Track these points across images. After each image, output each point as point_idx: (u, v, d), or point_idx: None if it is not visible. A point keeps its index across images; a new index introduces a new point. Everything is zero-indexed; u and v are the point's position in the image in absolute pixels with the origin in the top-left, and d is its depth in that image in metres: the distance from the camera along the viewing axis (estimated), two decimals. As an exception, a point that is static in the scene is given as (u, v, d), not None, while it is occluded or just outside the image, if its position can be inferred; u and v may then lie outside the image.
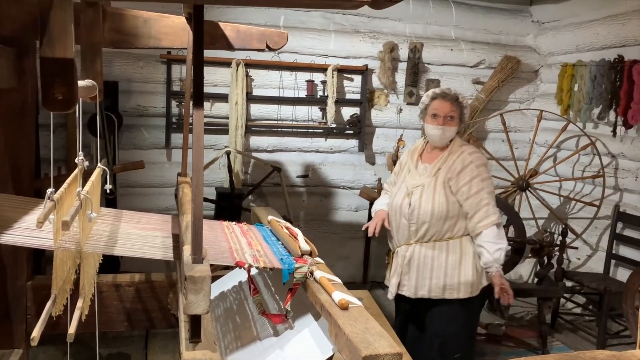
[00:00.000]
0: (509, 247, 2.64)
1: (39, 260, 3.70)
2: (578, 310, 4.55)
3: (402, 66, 4.99)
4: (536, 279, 4.00)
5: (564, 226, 4.22)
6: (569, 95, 4.74)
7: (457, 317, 2.72)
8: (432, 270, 2.69)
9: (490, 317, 4.29)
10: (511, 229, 4.08)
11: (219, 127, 4.54)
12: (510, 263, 3.93)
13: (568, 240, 4.23)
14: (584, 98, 4.56)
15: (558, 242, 4.11)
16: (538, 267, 3.83)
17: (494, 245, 2.61)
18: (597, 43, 4.56)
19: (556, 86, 4.90)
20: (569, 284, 4.20)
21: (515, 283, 5.01)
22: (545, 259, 4.10)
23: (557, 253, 4.10)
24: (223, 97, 4.53)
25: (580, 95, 4.60)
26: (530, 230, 4.88)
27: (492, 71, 5.15)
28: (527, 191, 4.84)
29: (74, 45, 1.23)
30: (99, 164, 1.88)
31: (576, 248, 4.59)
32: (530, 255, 4.28)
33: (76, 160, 1.61)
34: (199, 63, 1.06)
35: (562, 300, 4.45)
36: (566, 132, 4.75)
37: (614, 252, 4.28)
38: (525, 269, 5.20)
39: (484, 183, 2.67)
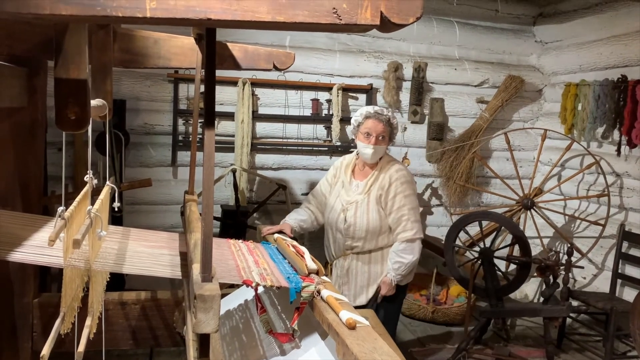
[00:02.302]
0: (412, 260, 2.87)
1: (45, 277, 3.71)
2: (584, 330, 4.51)
3: (407, 85, 5.03)
4: (542, 299, 3.97)
5: (569, 245, 4.21)
6: (573, 114, 4.76)
7: (392, 315, 3.04)
8: (369, 279, 2.95)
9: (496, 337, 4.25)
10: (516, 247, 4.07)
11: (225, 145, 4.57)
12: (516, 282, 3.91)
13: (573, 259, 4.21)
14: (588, 117, 4.58)
15: (564, 261, 4.09)
16: (543, 287, 3.80)
17: (396, 256, 2.86)
18: (601, 63, 4.59)
19: (560, 105, 4.93)
20: (575, 303, 4.17)
21: (520, 302, 4.98)
22: (551, 278, 4.08)
23: (563, 272, 4.07)
24: (229, 116, 4.57)
25: (584, 115, 4.62)
26: (536, 249, 4.87)
27: (496, 90, 5.18)
28: (531, 210, 4.84)
29: (87, 66, 1.26)
30: (107, 182, 1.90)
31: (582, 267, 4.56)
32: (535, 274, 4.26)
33: (85, 178, 1.63)
34: (211, 84, 1.08)
35: (569, 320, 4.41)
36: (570, 151, 4.76)
37: (619, 271, 4.26)
38: (530, 288, 5.17)
39: (406, 199, 2.87)
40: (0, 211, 2.00)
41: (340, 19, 0.99)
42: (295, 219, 3.04)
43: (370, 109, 2.95)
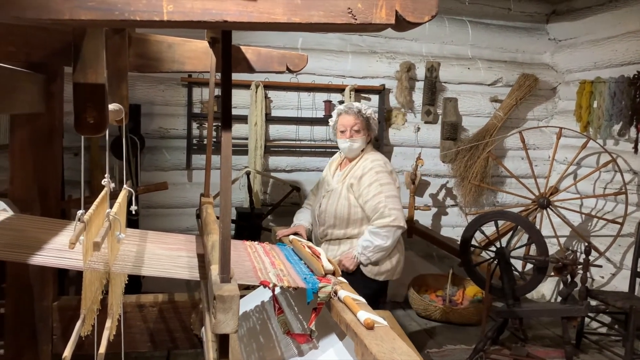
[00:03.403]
0: (382, 245, 2.87)
1: (63, 280, 3.75)
2: (603, 329, 4.45)
3: (419, 85, 5.02)
4: (559, 298, 3.93)
5: (587, 244, 4.16)
6: (588, 112, 4.71)
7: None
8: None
9: (513, 338, 4.22)
10: (533, 247, 4.04)
11: (239, 148, 4.60)
12: (533, 282, 3.88)
13: (591, 258, 4.16)
14: (604, 115, 4.53)
15: (581, 260, 4.05)
16: (561, 286, 3.76)
17: (367, 235, 2.90)
18: (616, 60, 4.54)
19: (575, 103, 4.88)
20: (593, 302, 4.12)
21: (538, 302, 4.94)
22: (569, 277, 4.04)
23: (581, 271, 4.03)
24: (242, 119, 4.59)
25: (600, 112, 4.57)
26: (552, 249, 4.82)
27: (509, 89, 5.15)
28: (548, 209, 4.79)
29: (105, 71, 1.27)
30: (124, 186, 1.92)
31: (600, 266, 4.50)
32: (552, 273, 4.22)
33: (103, 182, 1.64)
34: (227, 87, 1.09)
35: (587, 319, 4.36)
36: (586, 149, 4.71)
37: (638, 270, 4.20)
38: (547, 288, 5.12)
39: (382, 187, 2.91)
40: (21, 215, 2.03)
41: (356, 19, 0.99)
42: (305, 219, 3.17)
43: (342, 106, 3.11)
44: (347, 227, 3.00)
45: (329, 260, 1.82)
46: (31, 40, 2.06)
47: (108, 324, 1.52)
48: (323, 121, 4.80)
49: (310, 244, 2.11)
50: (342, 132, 3.05)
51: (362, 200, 2.95)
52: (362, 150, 3.06)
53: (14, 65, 1.86)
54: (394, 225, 2.88)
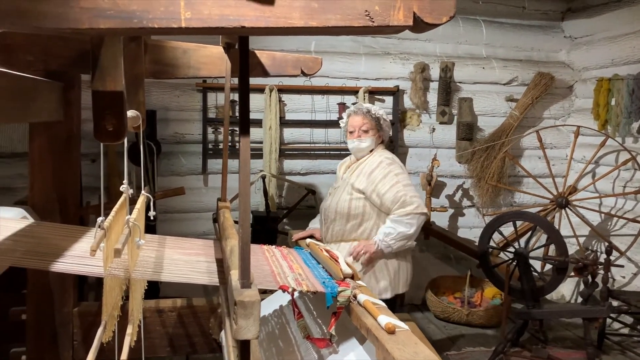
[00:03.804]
0: (406, 233, 2.78)
1: (82, 287, 3.78)
2: (626, 330, 4.38)
3: (434, 86, 4.99)
4: (580, 299, 3.87)
5: (607, 244, 4.10)
6: (606, 109, 4.65)
7: None
8: None
9: (533, 340, 4.17)
10: (552, 247, 3.99)
11: (254, 152, 4.60)
12: (553, 283, 3.83)
13: (612, 258, 4.10)
14: (622, 112, 4.47)
15: (602, 260, 3.99)
16: (581, 287, 3.71)
17: (390, 222, 2.80)
18: (634, 56, 4.48)
19: (592, 101, 4.82)
20: (615, 303, 4.05)
21: (558, 303, 4.87)
22: (590, 278, 3.98)
23: (602, 271, 3.97)
24: (257, 123, 4.60)
25: (618, 110, 4.51)
26: (572, 249, 4.75)
27: (525, 88, 5.10)
28: (566, 208, 4.73)
29: (123, 78, 1.28)
30: (142, 192, 1.92)
31: (621, 266, 4.44)
32: (572, 274, 4.16)
33: (122, 188, 1.65)
34: (245, 92, 1.09)
35: (609, 320, 4.30)
36: (605, 147, 4.64)
37: (661, 269, 4.14)
38: (567, 289, 5.05)
39: (397, 177, 2.84)
40: (41, 223, 2.05)
41: (373, 21, 0.98)
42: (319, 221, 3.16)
43: (351, 107, 3.08)
44: (347, 224, 2.92)
45: (347, 264, 1.81)
46: (49, 49, 2.08)
47: (129, 329, 1.53)
48: (337, 124, 4.77)
49: (327, 247, 2.10)
50: (350, 132, 3.03)
51: (377, 194, 2.86)
52: (371, 151, 3.02)
53: (32, 74, 1.88)
54: (417, 212, 2.78)
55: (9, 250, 1.55)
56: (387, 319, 1.37)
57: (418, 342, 1.28)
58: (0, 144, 4.19)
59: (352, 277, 1.76)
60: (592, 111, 4.82)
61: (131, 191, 1.73)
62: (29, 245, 1.60)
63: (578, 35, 5.14)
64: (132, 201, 1.80)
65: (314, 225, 3.21)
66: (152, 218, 1.93)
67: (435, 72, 4.97)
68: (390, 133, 3.16)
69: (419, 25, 1.00)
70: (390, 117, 4.89)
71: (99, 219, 1.32)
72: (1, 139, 4.19)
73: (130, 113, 1.62)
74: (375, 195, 2.86)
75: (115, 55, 1.23)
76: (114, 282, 1.50)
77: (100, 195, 1.58)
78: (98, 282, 3.73)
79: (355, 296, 1.60)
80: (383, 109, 3.12)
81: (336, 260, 1.86)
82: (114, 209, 1.48)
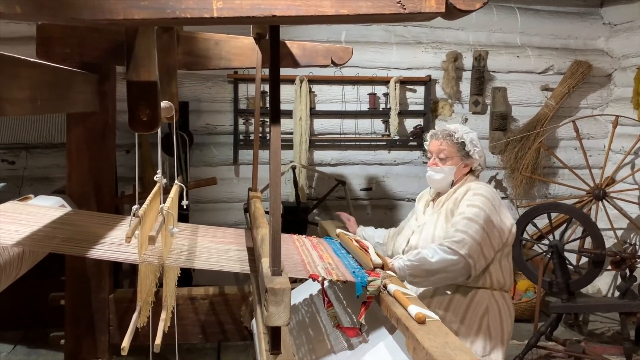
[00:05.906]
0: (431, 261, 2.03)
1: (117, 274, 3.88)
2: (665, 326, 4.26)
3: (467, 75, 4.91)
4: (617, 293, 3.79)
5: (646, 237, 3.99)
6: (647, 98, 4.50)
7: None
8: None
9: (568, 333, 4.09)
10: (587, 240, 3.90)
11: (284, 143, 4.60)
12: (588, 276, 3.75)
13: (651, 251, 3.99)
14: (664, 101, 4.32)
15: (640, 254, 3.88)
16: (618, 280, 3.62)
17: (406, 257, 2.09)
18: (677, 43, 4.32)
19: (632, 90, 4.67)
20: (653, 298, 3.95)
21: (593, 297, 4.77)
22: (627, 271, 3.88)
23: (640, 265, 3.87)
24: (287, 113, 4.61)
25: (660, 98, 4.36)
26: (609, 242, 4.64)
27: (561, 77, 4.97)
28: (603, 200, 4.62)
29: (157, 69, 1.30)
30: (175, 181, 1.96)
31: (660, 260, 4.32)
32: (609, 267, 4.07)
33: (156, 178, 1.69)
34: (275, 82, 1.10)
35: (647, 315, 4.19)
36: (645, 138, 4.50)
37: (703, 264, 4.00)
38: (603, 282, 4.93)
39: (467, 208, 2.18)
40: (78, 211, 2.10)
41: (405, 8, 0.97)
42: (371, 228, 2.68)
43: (433, 130, 2.45)
44: None
45: (377, 254, 1.81)
46: (85, 42, 2.13)
47: (163, 315, 1.56)
48: (367, 114, 4.77)
49: (357, 237, 2.10)
50: (428, 158, 2.40)
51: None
52: (454, 183, 2.33)
53: (69, 66, 1.92)
54: (452, 247, 2.06)
55: (48, 237, 1.60)
56: (417, 308, 1.37)
57: (449, 332, 1.27)
58: (39, 135, 4.32)
59: (382, 267, 1.75)
60: (632, 100, 4.67)
61: (165, 181, 1.76)
62: (67, 232, 1.65)
63: (617, 22, 4.98)
64: (166, 191, 1.83)
65: (369, 233, 2.65)
66: (185, 207, 1.97)
67: (468, 61, 4.89)
68: (484, 161, 2.41)
69: (452, 12, 0.98)
70: (421, 107, 4.83)
71: (134, 207, 1.35)
72: (39, 130, 4.32)
73: (163, 104, 1.64)
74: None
75: (149, 46, 1.26)
76: (148, 268, 1.53)
77: (135, 184, 1.61)
78: (133, 269, 3.82)
79: (385, 286, 1.59)
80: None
81: (366, 251, 1.86)
82: (148, 198, 1.51)
